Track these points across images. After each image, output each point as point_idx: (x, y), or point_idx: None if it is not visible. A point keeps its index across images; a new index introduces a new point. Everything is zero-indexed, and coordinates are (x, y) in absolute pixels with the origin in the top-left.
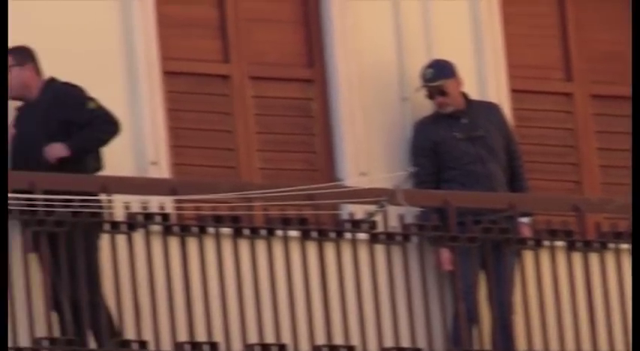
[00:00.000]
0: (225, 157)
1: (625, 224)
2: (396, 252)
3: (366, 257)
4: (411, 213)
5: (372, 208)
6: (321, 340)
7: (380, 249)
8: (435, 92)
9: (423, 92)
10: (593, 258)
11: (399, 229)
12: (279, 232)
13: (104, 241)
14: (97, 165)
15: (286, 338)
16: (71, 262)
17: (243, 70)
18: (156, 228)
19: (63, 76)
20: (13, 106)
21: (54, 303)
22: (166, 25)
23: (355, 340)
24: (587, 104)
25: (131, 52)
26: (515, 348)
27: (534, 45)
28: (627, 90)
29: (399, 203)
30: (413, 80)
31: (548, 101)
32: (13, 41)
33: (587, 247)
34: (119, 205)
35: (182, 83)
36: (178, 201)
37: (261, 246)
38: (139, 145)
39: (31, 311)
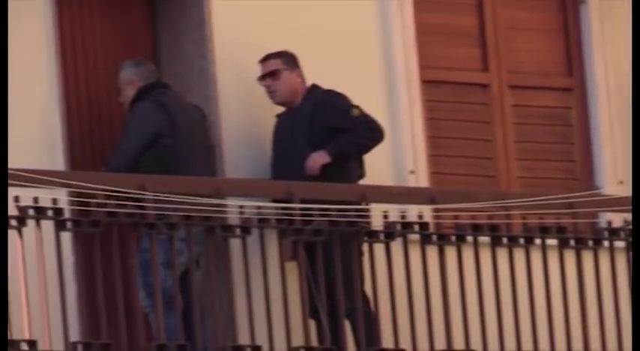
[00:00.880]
0: (483, 166)
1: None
2: None
3: (625, 265)
4: None
5: (629, 216)
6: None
7: None
8: None
9: None
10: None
11: None
12: (538, 241)
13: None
14: (361, 172)
15: (544, 345)
16: (328, 270)
17: (502, 78)
18: (414, 237)
19: (324, 86)
20: (271, 112)
21: (311, 312)
22: (425, 33)
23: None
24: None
25: (390, 62)
26: None
27: None
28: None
29: None
30: None
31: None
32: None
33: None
34: (377, 214)
35: (441, 92)
36: (437, 210)
37: (519, 255)
38: (398, 154)
39: (288, 320)
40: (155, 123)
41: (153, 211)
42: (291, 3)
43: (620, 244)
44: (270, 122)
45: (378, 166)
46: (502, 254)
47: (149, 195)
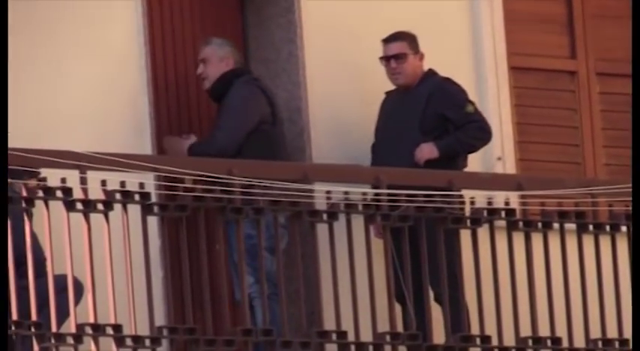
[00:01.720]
0: (570, 153)
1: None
2: None
3: None
4: None
5: None
6: None
7: None
8: None
9: None
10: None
11: None
12: (623, 228)
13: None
14: (465, 164)
15: (628, 334)
16: (415, 256)
17: (590, 66)
18: (500, 223)
19: None
20: (359, 98)
21: (397, 298)
22: (513, 20)
23: None
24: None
25: (479, 48)
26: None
27: None
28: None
29: None
30: None
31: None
32: (365, 38)
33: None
34: (464, 201)
35: (528, 79)
36: (523, 196)
37: (605, 242)
38: None
39: (374, 306)
40: (260, 108)
41: (240, 196)
42: None
43: None
44: (358, 107)
45: None
46: (588, 241)
47: (236, 180)
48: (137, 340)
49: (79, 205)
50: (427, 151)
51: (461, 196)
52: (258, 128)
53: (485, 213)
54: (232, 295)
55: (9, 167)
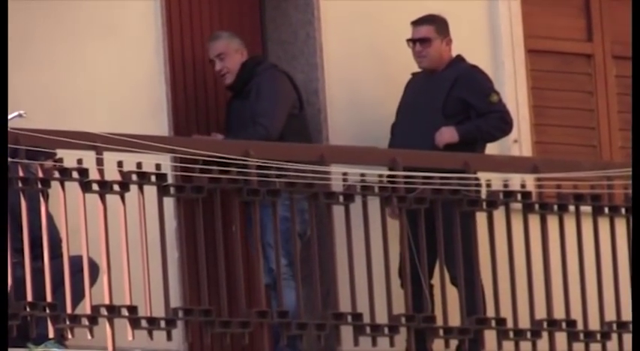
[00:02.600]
0: (586, 136)
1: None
2: None
3: None
4: None
5: None
6: None
7: None
8: None
9: None
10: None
11: None
12: None
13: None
14: (483, 151)
15: None
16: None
17: (606, 49)
18: (516, 206)
19: None
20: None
21: (412, 280)
22: (530, 3)
23: None
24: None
25: (495, 31)
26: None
27: None
28: None
29: None
30: None
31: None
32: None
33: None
34: (478, 183)
35: (545, 62)
36: (539, 179)
37: (620, 225)
38: None
39: (390, 288)
40: (292, 96)
41: (256, 178)
42: None
43: None
44: (375, 89)
45: None
46: (604, 224)
47: (253, 161)
48: (152, 321)
49: (95, 186)
50: (447, 134)
51: (477, 179)
52: (290, 112)
53: (501, 195)
54: (248, 276)
55: (26, 148)
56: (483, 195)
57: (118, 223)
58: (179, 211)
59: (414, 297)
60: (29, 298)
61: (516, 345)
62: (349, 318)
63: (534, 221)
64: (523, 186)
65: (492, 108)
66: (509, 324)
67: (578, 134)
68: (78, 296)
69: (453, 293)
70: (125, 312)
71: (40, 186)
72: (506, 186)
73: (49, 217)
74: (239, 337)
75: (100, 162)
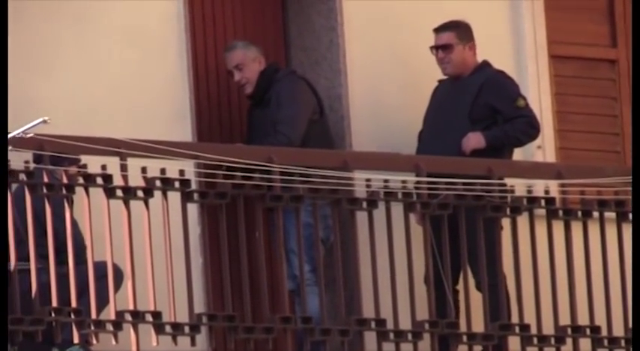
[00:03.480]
0: (610, 142)
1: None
2: None
3: None
4: None
5: None
6: None
7: None
8: None
9: None
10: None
11: None
12: None
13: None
14: (510, 157)
15: None
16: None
17: (630, 54)
18: (540, 212)
19: None
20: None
21: (435, 285)
22: (554, 9)
23: None
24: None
25: (519, 37)
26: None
27: None
28: None
29: None
30: None
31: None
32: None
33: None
34: (504, 189)
35: (569, 67)
36: (563, 185)
37: None
38: None
39: (413, 294)
40: (312, 102)
41: (279, 184)
42: None
43: None
44: (398, 95)
45: None
46: (628, 230)
47: (276, 167)
48: (176, 327)
49: (119, 192)
50: (474, 140)
51: (501, 185)
52: (311, 118)
53: (525, 201)
54: (272, 282)
55: (50, 154)
56: (508, 200)
57: (142, 228)
58: (203, 217)
59: (438, 303)
60: (54, 303)
61: None
62: (373, 324)
63: (558, 227)
64: (547, 192)
65: (519, 113)
66: (533, 330)
67: (601, 140)
68: (102, 302)
69: (477, 299)
70: (149, 317)
71: (64, 192)
72: (529, 192)
73: (74, 223)
74: (263, 342)
75: (123, 168)
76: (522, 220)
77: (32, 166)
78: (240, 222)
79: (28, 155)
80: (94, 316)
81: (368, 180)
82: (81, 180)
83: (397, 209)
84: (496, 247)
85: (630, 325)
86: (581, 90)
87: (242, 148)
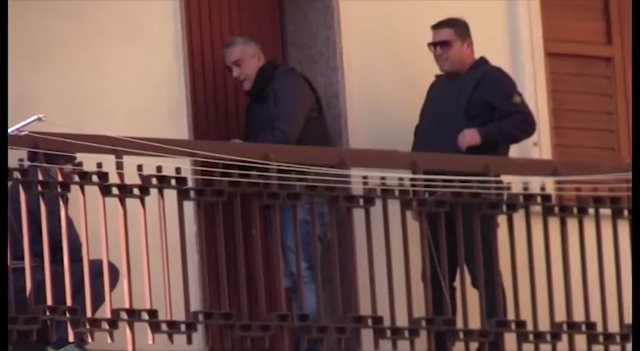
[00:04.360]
0: (606, 139)
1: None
2: None
3: None
4: None
5: None
6: None
7: None
8: None
9: None
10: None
11: None
12: None
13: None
14: (506, 153)
15: None
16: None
17: (626, 52)
18: (536, 208)
19: None
20: (396, 83)
21: (432, 282)
22: (549, 6)
23: None
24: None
25: (515, 34)
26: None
27: None
28: None
29: None
30: None
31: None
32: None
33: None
34: (500, 186)
35: (565, 65)
36: (559, 182)
37: None
38: None
39: (410, 291)
40: (310, 99)
41: (276, 181)
42: None
43: None
44: (395, 92)
45: None
46: (623, 227)
47: (273, 165)
48: (173, 325)
49: (115, 190)
50: (470, 137)
51: (497, 182)
52: (308, 115)
53: (521, 198)
54: (269, 280)
55: (45, 152)
56: (504, 197)
57: (138, 226)
58: (199, 215)
59: (434, 300)
60: (49, 301)
61: (536, 347)
62: (370, 321)
63: (554, 224)
64: (543, 189)
65: (515, 109)
66: (529, 326)
67: (597, 137)
68: (98, 300)
69: (473, 296)
70: (145, 316)
71: (59, 190)
72: (526, 189)
73: (69, 221)
74: (259, 340)
75: (119, 166)
76: (518, 217)
77: (27, 164)
78: (237, 220)
79: (23, 153)
80: (89, 314)
81: (365, 177)
82: (76, 178)
83: (394, 206)
84: (492, 244)
85: (626, 321)
86: (577, 87)
87: (239, 145)
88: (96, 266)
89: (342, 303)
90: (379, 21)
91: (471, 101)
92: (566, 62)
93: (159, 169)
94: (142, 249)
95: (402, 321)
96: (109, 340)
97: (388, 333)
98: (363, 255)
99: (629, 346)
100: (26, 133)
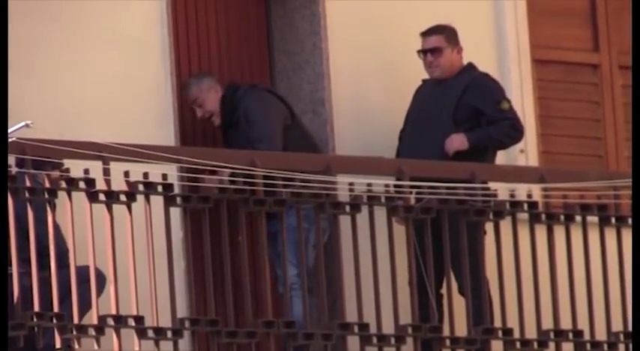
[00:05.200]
0: (593, 146)
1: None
2: None
3: None
4: None
5: None
6: None
7: None
8: None
9: None
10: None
11: None
12: None
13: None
14: (494, 159)
15: None
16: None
17: (613, 59)
18: (523, 216)
19: None
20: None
21: (419, 289)
22: (536, 13)
23: None
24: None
25: (502, 41)
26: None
27: None
28: None
29: None
30: None
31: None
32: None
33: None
34: (486, 193)
35: (551, 72)
36: (546, 189)
37: (627, 234)
38: None
39: (396, 298)
40: (281, 109)
41: (262, 188)
42: None
43: None
44: (382, 99)
45: None
46: (610, 234)
47: (259, 171)
48: (159, 331)
49: (102, 197)
50: (457, 142)
51: (487, 189)
52: (284, 124)
53: (507, 205)
54: (255, 286)
55: (32, 158)
56: (491, 204)
57: (125, 233)
58: (186, 221)
59: (421, 307)
60: (36, 308)
61: None
62: (356, 328)
63: (541, 231)
64: (529, 196)
65: (503, 115)
66: (516, 334)
67: (584, 144)
68: (85, 306)
69: (460, 303)
70: (132, 322)
71: (46, 196)
72: (512, 196)
73: (56, 227)
74: (246, 347)
75: (106, 172)
76: (505, 224)
77: (14, 170)
78: (224, 226)
79: (11, 159)
80: (76, 320)
81: (351, 184)
82: (63, 184)
83: (380, 213)
84: (479, 251)
85: (614, 329)
86: (563, 94)
87: (225, 152)
88: (83, 272)
89: (328, 310)
90: (366, 28)
91: (458, 106)
92: (553, 69)
93: (145, 175)
94: (128, 255)
95: (388, 328)
96: (96, 347)
97: (374, 340)
98: (350, 262)
99: None
100: (14, 139)
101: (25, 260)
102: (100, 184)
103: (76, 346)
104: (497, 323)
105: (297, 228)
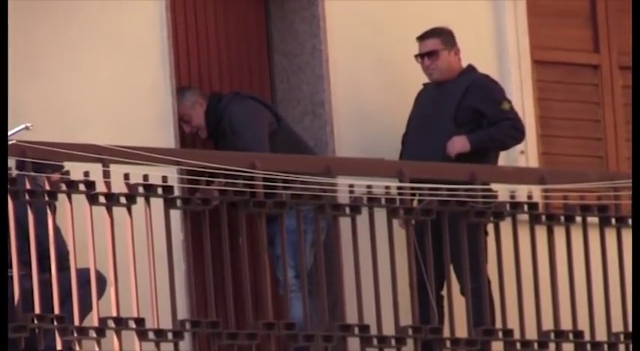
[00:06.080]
0: (593, 147)
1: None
2: None
3: None
4: None
5: None
6: None
7: None
8: None
9: None
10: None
11: None
12: None
13: (472, 229)
14: (496, 160)
15: None
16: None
17: (613, 60)
18: (523, 217)
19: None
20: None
21: (419, 292)
22: (536, 14)
23: None
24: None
25: (502, 42)
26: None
27: None
28: None
29: None
30: None
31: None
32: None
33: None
34: (487, 194)
35: (551, 72)
36: (546, 190)
37: (627, 235)
38: None
39: (397, 300)
40: (266, 115)
41: (262, 190)
42: None
43: None
44: (382, 101)
45: None
46: (611, 235)
47: (259, 173)
48: (160, 333)
49: (102, 199)
50: (459, 144)
51: (485, 190)
52: (270, 129)
53: (507, 206)
54: (255, 288)
55: (32, 160)
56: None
57: (125, 235)
58: (186, 224)
59: (421, 308)
60: (37, 310)
61: None
62: (356, 329)
63: (541, 232)
64: (530, 197)
65: (504, 116)
66: (517, 335)
67: (584, 145)
68: (85, 308)
69: (460, 304)
70: (132, 324)
71: (47, 198)
72: (512, 197)
73: (57, 230)
74: (246, 348)
75: (106, 174)
76: (505, 226)
77: (14, 172)
78: (224, 228)
79: (11, 162)
80: (76, 323)
81: (351, 186)
82: (63, 187)
83: (380, 215)
84: (480, 252)
85: (614, 329)
86: (563, 95)
87: (225, 154)
88: (83, 275)
89: (328, 311)
90: (365, 29)
91: (459, 108)
92: (553, 70)
93: (145, 177)
94: (129, 257)
95: (388, 329)
96: (97, 349)
97: (375, 341)
98: (350, 263)
99: None
100: (14, 141)
101: (25, 263)
102: (100, 187)
103: (77, 348)
104: (498, 324)
105: (295, 230)
